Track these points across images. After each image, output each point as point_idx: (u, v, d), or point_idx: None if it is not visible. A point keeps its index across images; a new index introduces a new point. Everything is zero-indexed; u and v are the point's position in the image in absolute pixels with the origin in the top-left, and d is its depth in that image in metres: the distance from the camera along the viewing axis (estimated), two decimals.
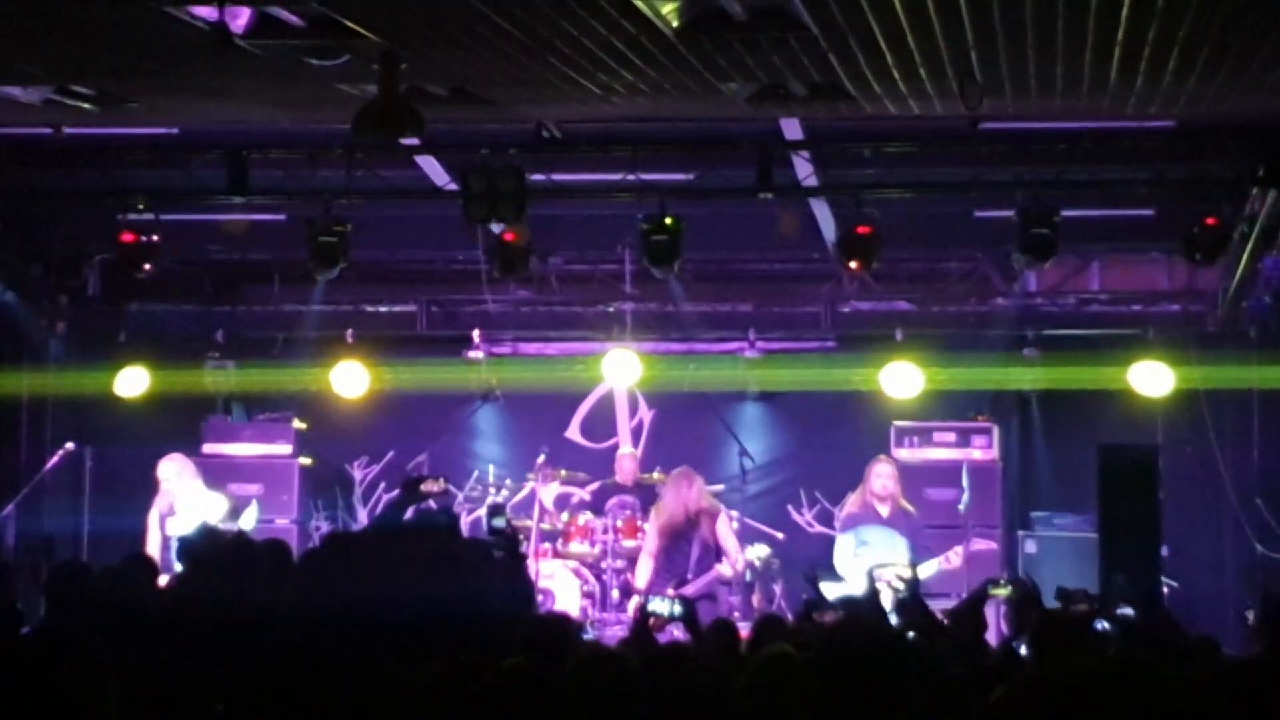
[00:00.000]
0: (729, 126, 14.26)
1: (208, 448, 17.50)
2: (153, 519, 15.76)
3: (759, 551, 16.03)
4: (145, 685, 5.51)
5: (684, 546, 15.15)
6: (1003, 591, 10.29)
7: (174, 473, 15.87)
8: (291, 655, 6.74)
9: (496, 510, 11.21)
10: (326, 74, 11.67)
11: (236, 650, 6.80)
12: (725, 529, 15.29)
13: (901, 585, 10.11)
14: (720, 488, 16.68)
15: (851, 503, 15.63)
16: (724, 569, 15.10)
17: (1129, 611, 10.76)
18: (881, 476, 15.31)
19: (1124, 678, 4.30)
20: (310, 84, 12.17)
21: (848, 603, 10.33)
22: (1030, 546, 16.57)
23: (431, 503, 11.58)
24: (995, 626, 12.60)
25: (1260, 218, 15.15)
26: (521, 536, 14.88)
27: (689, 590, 14.73)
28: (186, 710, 5.40)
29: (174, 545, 13.15)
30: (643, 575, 15.28)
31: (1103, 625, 10.15)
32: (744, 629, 10.30)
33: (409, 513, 11.07)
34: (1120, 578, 13.60)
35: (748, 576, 16.07)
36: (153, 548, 15.38)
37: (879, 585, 10.40)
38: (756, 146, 14.57)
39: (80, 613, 7.88)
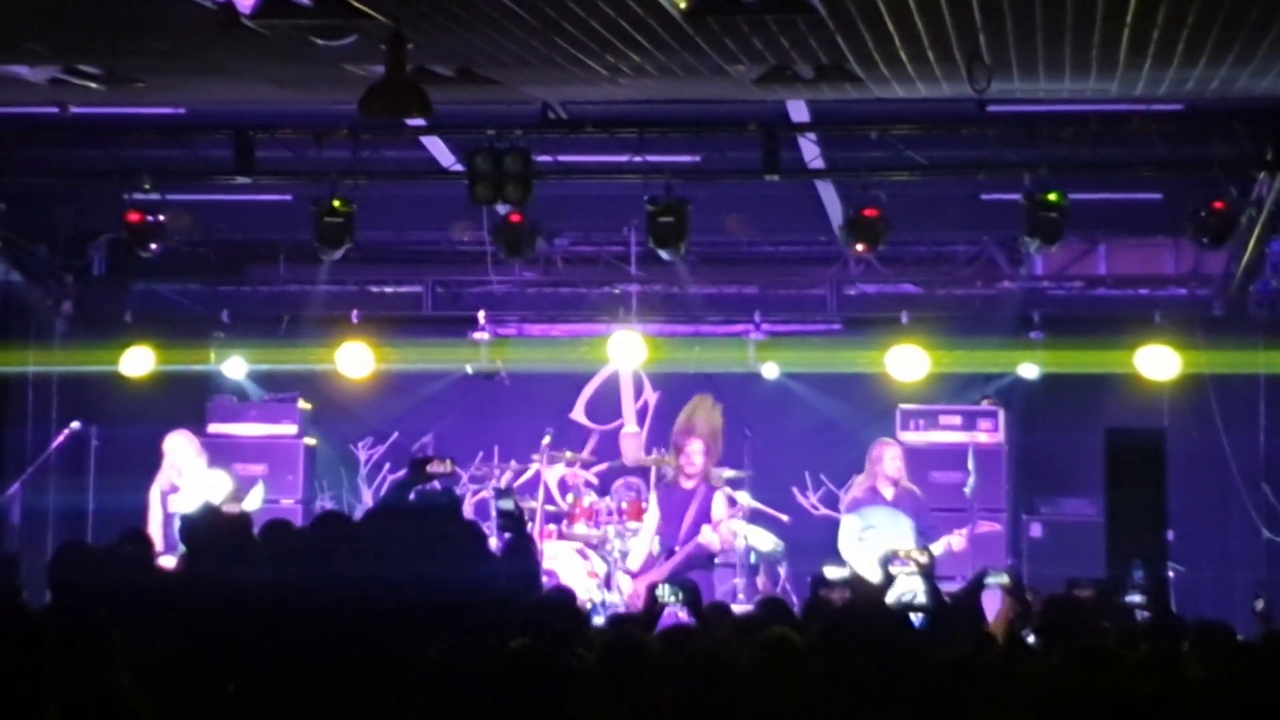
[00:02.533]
0: (735, 108, 14.23)
1: (213, 427, 17.47)
2: (154, 495, 15.71)
3: (764, 541, 16.04)
4: (155, 666, 5.51)
5: (680, 515, 15.23)
6: (1001, 579, 10.30)
7: (179, 449, 15.83)
8: (294, 636, 6.74)
9: (504, 493, 11.19)
10: (333, 54, 11.65)
11: (243, 631, 6.80)
12: (720, 501, 15.36)
13: (917, 567, 10.08)
14: (731, 473, 16.68)
15: (857, 485, 15.59)
16: (707, 537, 15.12)
17: (1138, 598, 10.77)
18: (894, 460, 15.29)
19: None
20: (317, 64, 12.15)
21: (855, 583, 10.29)
22: (1035, 530, 16.55)
23: (436, 483, 11.57)
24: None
25: (1268, 201, 15.12)
26: (527, 519, 14.93)
27: (677, 559, 14.83)
28: (197, 690, 5.40)
29: (175, 523, 13.15)
30: (638, 554, 15.38)
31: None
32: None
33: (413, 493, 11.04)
34: (1139, 574, 13.61)
35: (752, 559, 16.06)
36: (154, 524, 15.35)
37: (894, 568, 10.35)
38: (763, 128, 14.54)
39: (86, 593, 7.87)
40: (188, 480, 15.60)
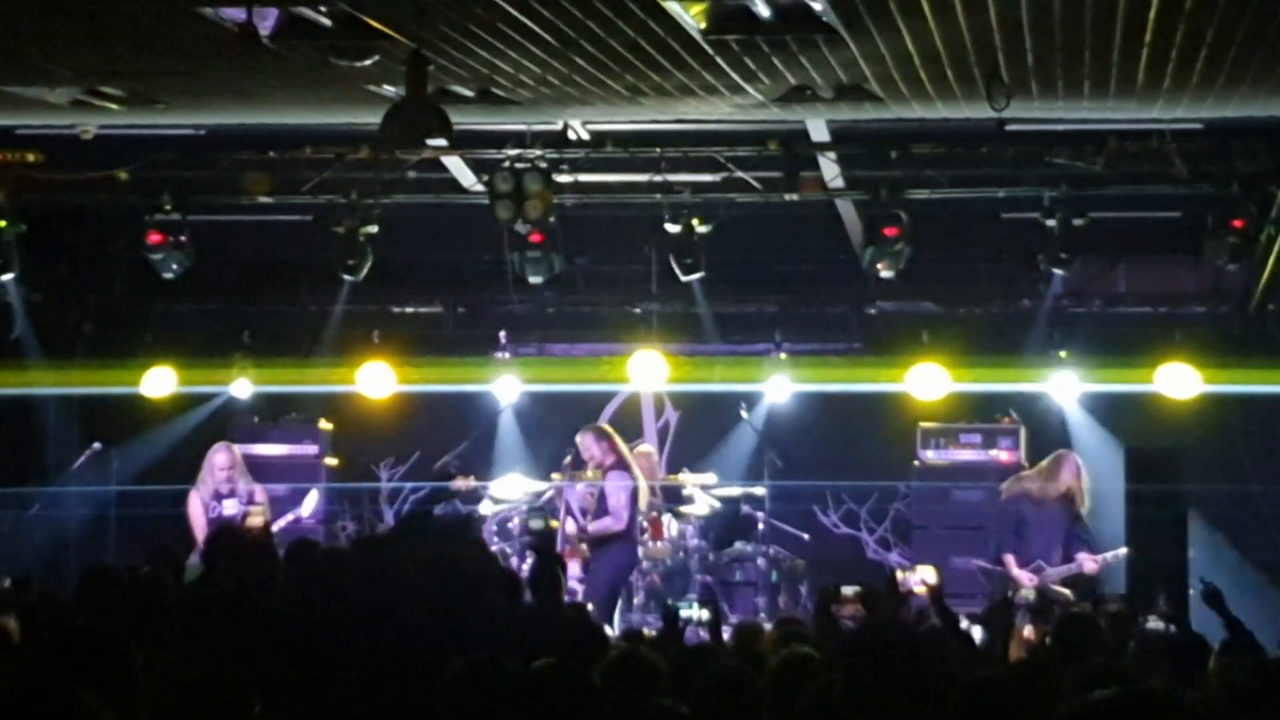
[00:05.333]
0: (756, 127, 14.25)
1: (235, 448, 17.48)
2: (194, 504, 15.62)
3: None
4: (180, 686, 5.52)
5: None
6: (1028, 595, 10.36)
7: (231, 460, 15.85)
8: (319, 656, 6.75)
9: (535, 512, 11.23)
10: (354, 75, 11.70)
11: (269, 651, 6.81)
12: (613, 487, 15.37)
13: (924, 590, 10.06)
14: (739, 491, 16.66)
15: (1040, 478, 15.29)
16: (606, 523, 15.22)
17: (1160, 624, 10.76)
18: (1078, 477, 15.04)
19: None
20: (338, 85, 12.19)
21: (867, 597, 10.21)
22: None
23: (458, 502, 11.61)
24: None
25: None
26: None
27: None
28: (224, 711, 5.41)
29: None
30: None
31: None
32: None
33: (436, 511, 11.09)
34: (1162, 598, 13.57)
35: (774, 577, 16.04)
36: (201, 532, 15.18)
37: (903, 589, 10.33)
38: (783, 147, 14.57)
39: (110, 613, 7.89)
40: (242, 487, 15.62)
